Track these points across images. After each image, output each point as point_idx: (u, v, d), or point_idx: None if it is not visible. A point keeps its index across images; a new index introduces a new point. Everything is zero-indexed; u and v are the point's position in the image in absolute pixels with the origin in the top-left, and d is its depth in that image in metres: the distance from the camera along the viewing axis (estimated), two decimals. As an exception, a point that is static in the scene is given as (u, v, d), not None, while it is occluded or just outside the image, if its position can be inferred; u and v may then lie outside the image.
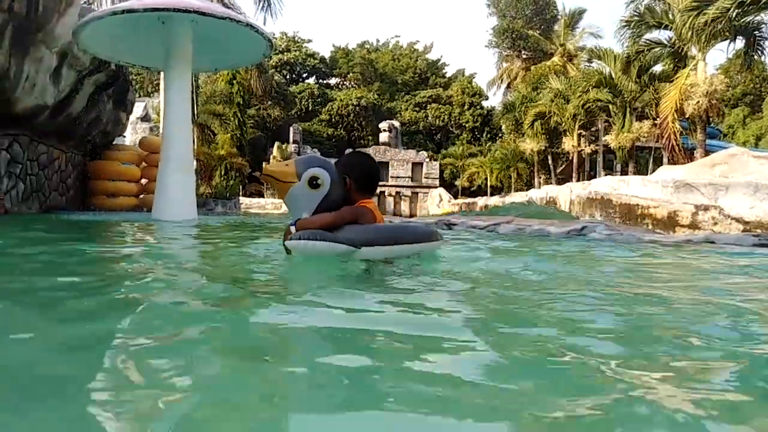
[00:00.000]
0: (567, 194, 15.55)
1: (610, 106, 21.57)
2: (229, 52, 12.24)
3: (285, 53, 45.06)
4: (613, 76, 21.21)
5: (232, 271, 3.17)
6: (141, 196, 17.32)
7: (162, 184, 10.73)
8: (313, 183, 2.90)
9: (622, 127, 21.03)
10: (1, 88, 10.01)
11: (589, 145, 26.68)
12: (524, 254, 4.20)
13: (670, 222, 11.05)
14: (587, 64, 32.84)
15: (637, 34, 18.58)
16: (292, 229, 2.94)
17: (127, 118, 18.21)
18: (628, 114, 20.68)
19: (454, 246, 4.26)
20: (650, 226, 11.07)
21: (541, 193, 18.51)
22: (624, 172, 25.10)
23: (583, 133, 26.62)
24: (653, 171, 21.78)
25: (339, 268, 2.77)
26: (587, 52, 27.70)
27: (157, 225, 8.22)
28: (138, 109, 25.13)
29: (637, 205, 12.08)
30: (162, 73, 19.55)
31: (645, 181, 12.59)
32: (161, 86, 22.33)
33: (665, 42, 18.30)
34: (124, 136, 19.88)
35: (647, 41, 18.86)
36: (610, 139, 22.93)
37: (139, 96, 28.04)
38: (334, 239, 2.81)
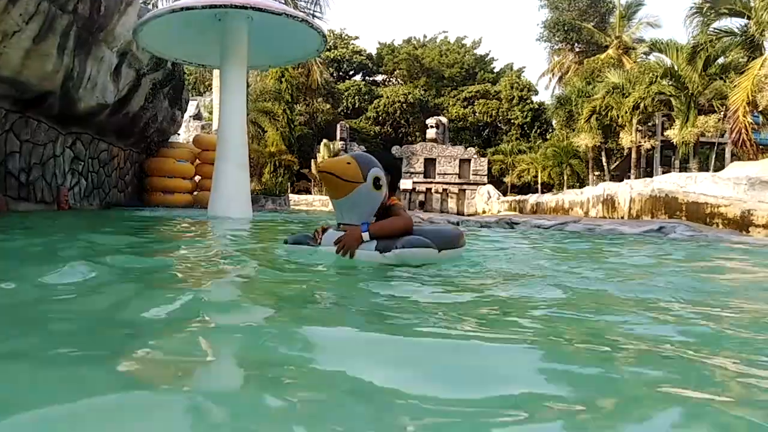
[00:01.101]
0: (626, 192, 14.81)
1: (673, 100, 20.49)
2: (283, 48, 12.20)
3: (332, 50, 45.21)
4: (676, 67, 20.14)
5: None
6: (195, 192, 17.62)
7: (218, 181, 10.78)
8: (377, 184, 2.72)
9: (686, 121, 19.95)
10: (66, 88, 10.26)
11: (648, 140, 25.54)
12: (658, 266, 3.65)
13: (743, 222, 10.30)
14: (645, 56, 31.51)
15: (706, 22, 17.51)
16: (365, 235, 2.69)
17: (182, 116, 18.57)
18: (692, 107, 19.58)
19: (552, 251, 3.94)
20: (720, 226, 10.38)
21: (597, 190, 17.73)
22: (683, 169, 23.89)
23: (640, 128, 25.50)
24: (716, 168, 20.69)
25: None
26: (647, 44, 26.47)
27: (226, 222, 8.19)
28: (190, 107, 25.67)
29: (706, 203, 11.33)
30: (216, 71, 19.90)
31: (715, 179, 11.82)
32: (214, 84, 22.75)
33: (736, 31, 17.19)
34: (179, 134, 20.28)
35: (716, 30, 17.77)
36: (672, 134, 21.82)
37: (192, 95, 28.66)
38: (428, 245, 2.68)
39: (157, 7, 18.28)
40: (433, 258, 2.74)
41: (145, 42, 11.29)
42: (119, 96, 12.47)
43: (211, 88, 28.90)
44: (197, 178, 17.77)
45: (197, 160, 17.66)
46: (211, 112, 26.86)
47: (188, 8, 10.02)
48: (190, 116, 27.09)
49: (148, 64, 13.13)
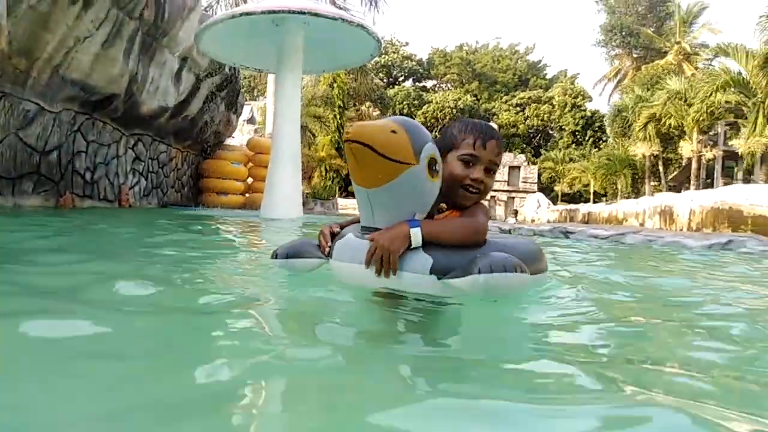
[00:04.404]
0: (686, 203, 14.17)
1: (744, 107, 19.51)
2: (338, 53, 12.33)
3: (382, 56, 45.54)
4: (744, 74, 19.18)
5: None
6: (247, 194, 18.03)
7: (271, 183, 10.98)
8: (433, 168, 1.68)
9: (753, 131, 18.96)
10: (130, 92, 10.69)
11: (710, 150, 24.45)
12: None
13: (816, 238, 9.68)
14: (707, 63, 30.23)
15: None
16: (415, 234, 1.64)
17: (237, 120, 19.05)
18: (761, 116, 18.59)
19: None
20: (790, 242, 9.77)
21: (654, 201, 17.04)
22: (746, 180, 22.71)
23: (701, 137, 24.43)
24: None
25: None
26: (713, 49, 25.36)
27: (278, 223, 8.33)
28: (244, 111, 26.31)
29: (775, 217, 10.71)
30: (271, 76, 20.33)
31: (786, 191, 11.16)
32: (269, 89, 23.26)
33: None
34: (233, 137, 20.83)
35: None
36: (738, 144, 20.78)
37: (246, 99, 29.38)
38: (523, 267, 1.60)
39: (216, 12, 18.85)
40: (526, 287, 1.70)
41: (205, 47, 11.65)
42: (179, 99, 12.91)
43: (264, 92, 29.57)
44: (250, 180, 18.18)
45: (250, 163, 18.07)
46: (264, 116, 27.45)
47: (248, 14, 10.27)
48: (244, 120, 27.77)
49: (207, 68, 13.54)
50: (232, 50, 12.36)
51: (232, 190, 17.26)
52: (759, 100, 18.63)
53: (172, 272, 2.25)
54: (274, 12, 10.14)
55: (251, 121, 30.03)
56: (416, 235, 1.64)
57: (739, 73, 19.64)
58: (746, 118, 20.02)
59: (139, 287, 1.76)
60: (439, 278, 1.63)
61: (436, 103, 42.20)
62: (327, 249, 1.89)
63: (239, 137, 25.32)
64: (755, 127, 18.75)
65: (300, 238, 2.12)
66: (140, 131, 12.80)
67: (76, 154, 10.22)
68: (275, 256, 1.99)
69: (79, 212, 8.28)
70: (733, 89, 19.65)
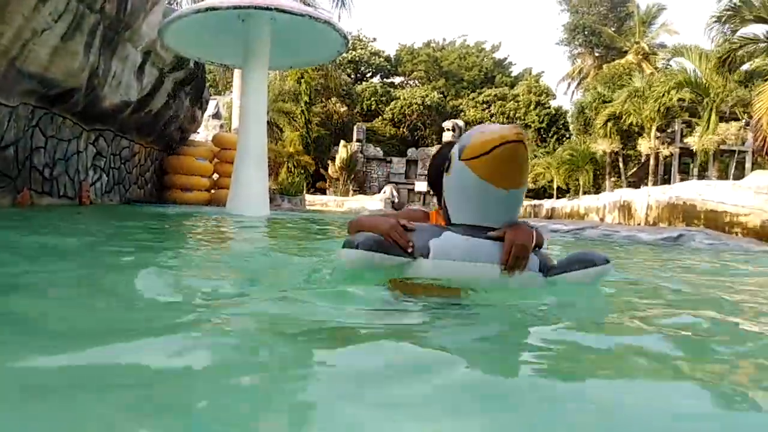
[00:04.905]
0: (644, 198, 14.70)
1: (697, 106, 20.30)
2: (305, 49, 12.33)
3: (350, 52, 45.45)
4: (699, 74, 19.95)
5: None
6: (212, 191, 17.82)
7: (237, 179, 10.93)
8: None
9: (707, 129, 19.74)
10: (91, 86, 10.46)
11: (667, 147, 25.31)
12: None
13: (764, 231, 10.17)
14: (665, 63, 31.24)
15: (731, 29, 17.33)
16: (537, 236, 1.84)
17: (203, 115, 18.79)
18: (713, 115, 19.38)
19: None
20: (739, 236, 10.26)
21: (614, 196, 17.60)
22: (701, 177, 23.61)
23: (659, 134, 25.28)
24: (736, 176, 20.42)
25: None
26: (670, 50, 26.25)
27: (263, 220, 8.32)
28: (210, 106, 25.93)
29: (725, 212, 11.19)
30: (237, 71, 20.12)
31: (735, 187, 11.68)
32: (235, 84, 22.99)
33: (762, 37, 16.97)
34: (198, 132, 20.53)
35: (740, 37, 17.57)
36: (692, 141, 21.59)
37: (211, 94, 28.95)
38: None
39: (181, 6, 18.54)
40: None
41: (169, 41, 11.48)
42: (142, 94, 12.67)
43: (229, 87, 29.20)
44: (215, 176, 17.97)
45: (216, 159, 17.85)
46: (230, 111, 27.13)
47: (213, 9, 10.18)
48: (210, 115, 27.35)
49: (170, 63, 13.33)
50: (197, 45, 12.21)
51: (198, 186, 17.03)
52: (711, 99, 19.41)
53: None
54: (239, 7, 10.08)
55: (217, 116, 29.59)
56: (537, 236, 1.82)
57: (694, 73, 20.42)
58: (701, 117, 20.83)
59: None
60: (545, 275, 1.82)
61: (404, 99, 42.36)
62: (409, 248, 1.78)
63: (204, 133, 24.94)
64: (708, 126, 19.53)
65: (362, 233, 1.86)
66: (102, 126, 12.52)
67: (34, 150, 9.95)
68: (355, 246, 1.75)
69: (37, 210, 8.09)
70: (687, 89, 20.41)
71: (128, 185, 14.58)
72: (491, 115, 43.74)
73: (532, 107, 42.05)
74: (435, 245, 1.77)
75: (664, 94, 21.13)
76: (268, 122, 11.99)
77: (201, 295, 1.85)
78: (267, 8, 9.97)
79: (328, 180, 35.45)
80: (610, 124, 25.92)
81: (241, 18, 10.66)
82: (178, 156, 16.83)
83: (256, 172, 10.95)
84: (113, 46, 10.64)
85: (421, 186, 36.83)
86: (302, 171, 29.04)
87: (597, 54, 41.43)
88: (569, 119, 37.58)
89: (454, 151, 1.78)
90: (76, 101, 10.51)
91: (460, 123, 40.35)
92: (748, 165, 22.82)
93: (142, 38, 11.37)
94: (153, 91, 13.17)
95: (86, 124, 11.78)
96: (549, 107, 42.41)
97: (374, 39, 49.42)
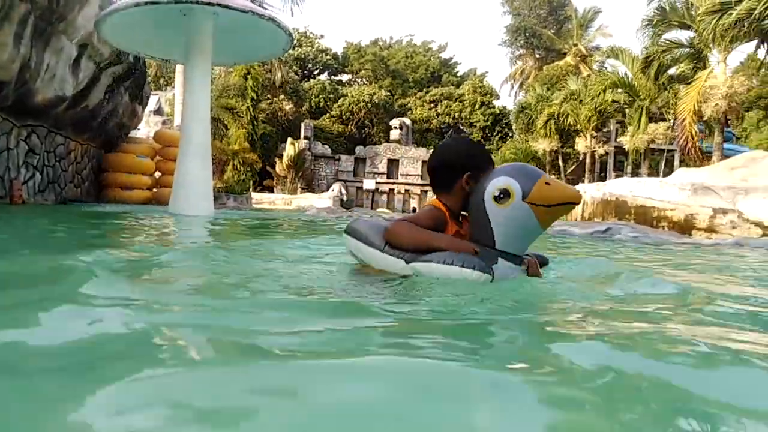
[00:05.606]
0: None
1: (626, 108, 21.41)
2: (250, 45, 12.21)
3: (296, 48, 45.04)
4: (630, 76, 21.05)
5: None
6: (154, 189, 17.35)
7: (180, 178, 10.72)
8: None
9: (638, 129, 20.87)
10: (22, 79, 10.02)
11: (602, 146, 26.51)
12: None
13: (687, 225, 10.89)
14: (601, 64, 32.69)
15: (658, 33, 18.40)
16: None
17: (143, 111, 18.25)
18: (643, 115, 20.51)
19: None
20: (666, 229, 10.94)
21: (553, 193, 18.37)
22: (635, 174, 24.92)
23: (595, 134, 26.48)
24: (665, 173, 21.73)
25: None
26: (604, 51, 27.51)
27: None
28: (151, 102, 25.18)
29: (653, 207, 11.91)
30: (179, 67, 19.63)
31: (662, 184, 12.44)
32: (177, 80, 22.43)
33: (685, 42, 18.11)
34: (138, 129, 19.91)
35: (666, 41, 18.68)
36: (625, 141, 22.74)
37: (152, 89, 28.10)
38: None
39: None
40: None
41: (107, 34, 11.12)
42: (78, 89, 12.22)
43: (172, 83, 28.45)
44: (157, 174, 17.51)
45: (157, 156, 17.39)
46: (172, 107, 26.42)
47: (153, 2, 9.95)
48: (151, 111, 26.55)
49: (108, 56, 12.90)
50: (137, 39, 11.88)
51: (138, 184, 16.54)
52: (641, 100, 20.50)
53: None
54: (181, 1, 9.89)
55: (158, 112, 28.76)
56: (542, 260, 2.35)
57: (626, 74, 21.50)
58: (632, 117, 21.98)
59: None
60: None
61: (352, 96, 42.41)
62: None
63: (146, 129, 24.19)
64: (639, 125, 20.63)
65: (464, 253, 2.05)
66: (34, 122, 12.00)
67: (-41, 146, 9.46)
68: (485, 270, 1.96)
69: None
70: (620, 90, 21.48)
71: (64, 184, 14.03)
72: (438, 114, 44.44)
73: (477, 107, 43.01)
74: (500, 268, 2.04)
75: (599, 94, 22.16)
76: (212, 118, 11.80)
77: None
78: (209, 3, 9.84)
79: (275, 178, 35.09)
80: (550, 123, 26.92)
81: (183, 12, 10.46)
82: (117, 153, 16.30)
83: (200, 170, 10.78)
84: (46, 37, 10.23)
85: (370, 184, 37.06)
86: (248, 169, 28.63)
87: (538, 55, 42.83)
88: (512, 119, 38.69)
89: (515, 187, 1.98)
90: (5, 95, 10.05)
91: (407, 121, 40.81)
92: (676, 163, 24.25)
93: (77, 30, 10.97)
94: (90, 85, 12.72)
95: (17, 120, 11.27)
96: (493, 107, 43.50)
97: (321, 36, 49.26)
